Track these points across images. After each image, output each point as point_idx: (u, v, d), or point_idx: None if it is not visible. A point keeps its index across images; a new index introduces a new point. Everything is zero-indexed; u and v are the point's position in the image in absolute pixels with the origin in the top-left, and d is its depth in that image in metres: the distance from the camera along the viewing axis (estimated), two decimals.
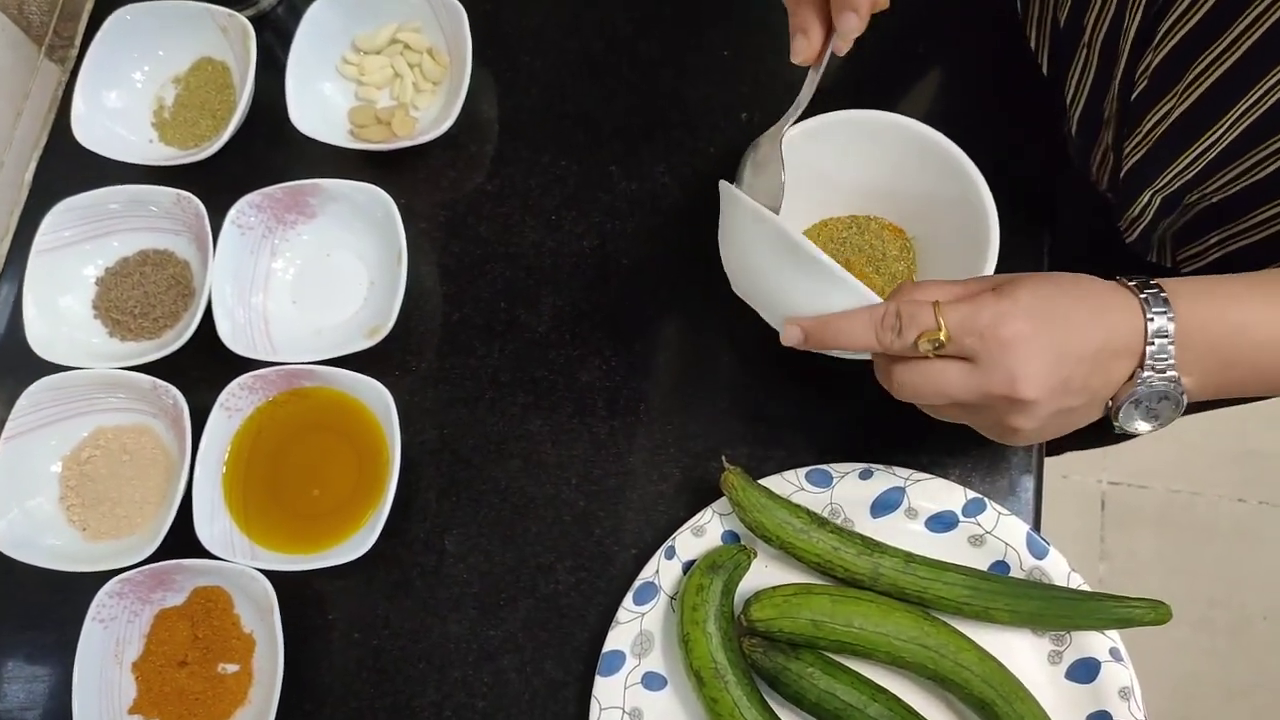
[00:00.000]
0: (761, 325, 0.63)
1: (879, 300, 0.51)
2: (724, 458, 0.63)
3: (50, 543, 0.66)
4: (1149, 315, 0.47)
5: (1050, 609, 0.58)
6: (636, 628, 0.62)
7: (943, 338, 0.47)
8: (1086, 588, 0.60)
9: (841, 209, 0.69)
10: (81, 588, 0.63)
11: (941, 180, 0.63)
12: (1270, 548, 1.57)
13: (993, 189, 0.62)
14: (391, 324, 0.67)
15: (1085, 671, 0.59)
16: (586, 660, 0.63)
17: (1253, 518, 1.59)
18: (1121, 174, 0.62)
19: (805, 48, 0.54)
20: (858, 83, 0.73)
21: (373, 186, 0.69)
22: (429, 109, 0.76)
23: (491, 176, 0.75)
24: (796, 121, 0.60)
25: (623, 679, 0.61)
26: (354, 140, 0.74)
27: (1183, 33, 0.51)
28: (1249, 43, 0.48)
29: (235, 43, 0.75)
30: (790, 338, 0.53)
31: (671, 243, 0.72)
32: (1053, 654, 0.60)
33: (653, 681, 0.61)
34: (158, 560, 0.63)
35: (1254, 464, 1.61)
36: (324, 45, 0.75)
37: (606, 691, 0.60)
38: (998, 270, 0.59)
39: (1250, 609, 1.54)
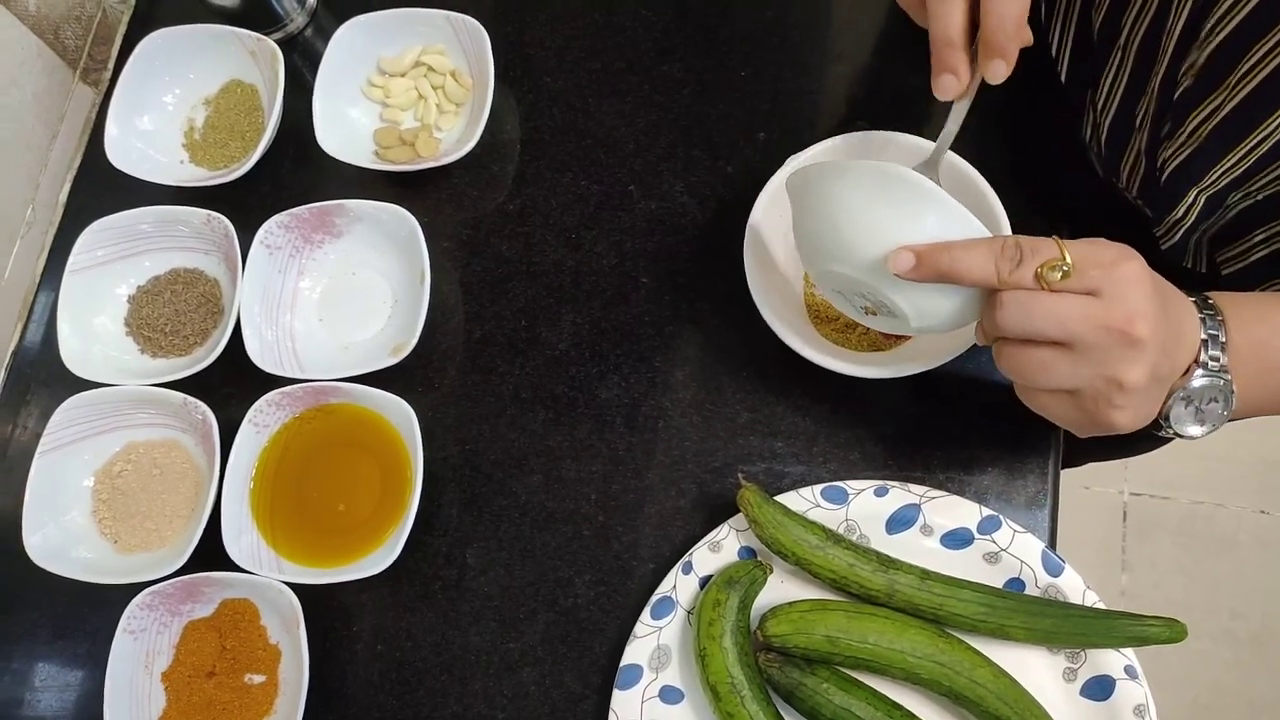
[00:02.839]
0: (779, 342, 0.63)
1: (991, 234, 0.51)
2: (740, 474, 0.64)
3: (83, 555, 0.68)
4: (1201, 315, 0.50)
5: (1065, 626, 0.59)
6: (654, 642, 0.62)
7: (1068, 266, 0.47)
8: (1102, 605, 0.60)
9: None
10: (113, 599, 0.65)
11: (950, 193, 0.63)
12: None
13: (1006, 200, 0.63)
14: (415, 341, 0.68)
15: (1100, 689, 0.59)
16: (605, 673, 0.64)
17: (1275, 529, 1.58)
18: (1163, 176, 0.62)
19: (954, 87, 0.52)
20: (870, 94, 0.74)
21: (397, 207, 0.71)
22: (452, 130, 0.77)
23: (513, 196, 0.76)
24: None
25: (640, 692, 0.62)
26: (379, 161, 0.75)
27: (1230, 27, 0.51)
28: None
29: (264, 66, 0.77)
30: (901, 263, 0.50)
31: (690, 261, 0.73)
32: (1068, 671, 0.60)
33: (670, 695, 0.62)
34: (187, 573, 0.64)
35: (1276, 475, 1.60)
36: (350, 68, 0.77)
37: (624, 705, 0.61)
38: None
39: (1273, 621, 1.53)
